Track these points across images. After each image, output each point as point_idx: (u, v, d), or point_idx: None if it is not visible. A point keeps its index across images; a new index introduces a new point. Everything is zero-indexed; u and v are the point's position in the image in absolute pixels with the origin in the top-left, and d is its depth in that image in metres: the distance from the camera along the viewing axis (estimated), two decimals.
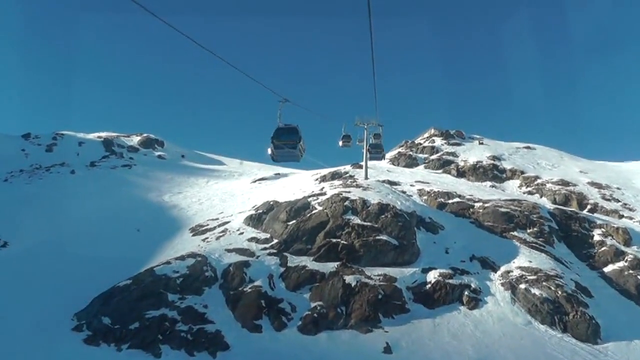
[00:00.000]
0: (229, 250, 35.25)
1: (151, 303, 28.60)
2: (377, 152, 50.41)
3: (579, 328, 31.78)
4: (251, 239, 37.58)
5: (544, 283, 35.49)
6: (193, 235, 41.37)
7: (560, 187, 57.51)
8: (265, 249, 36.06)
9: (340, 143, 48.14)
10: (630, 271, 41.50)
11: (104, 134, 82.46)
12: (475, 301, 33.31)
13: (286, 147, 25.49)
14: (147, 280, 30.20)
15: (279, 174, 67.15)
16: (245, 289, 30.97)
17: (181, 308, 28.77)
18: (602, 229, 47.51)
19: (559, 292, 34.77)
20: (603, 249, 44.90)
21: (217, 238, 38.44)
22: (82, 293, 29.76)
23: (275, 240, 37.19)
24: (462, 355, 28.00)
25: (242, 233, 38.87)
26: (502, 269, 37.01)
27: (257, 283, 31.53)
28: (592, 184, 59.57)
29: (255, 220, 41.14)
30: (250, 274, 32.41)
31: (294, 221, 38.51)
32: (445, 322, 31.06)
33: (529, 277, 36.13)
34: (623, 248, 44.89)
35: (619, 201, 56.23)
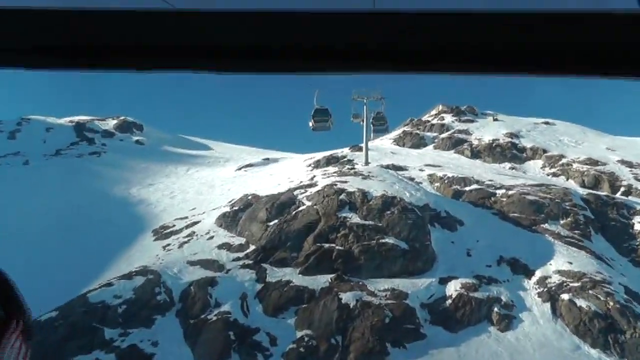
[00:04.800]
0: (191, 263, 27.89)
1: (82, 344, 21.77)
2: (380, 124, 42.34)
3: None
4: (222, 246, 30.15)
5: (590, 291, 29.50)
6: (155, 239, 34.04)
7: (588, 167, 50.33)
8: (238, 259, 28.75)
9: (312, 123, 38.11)
10: None
11: (76, 118, 74.69)
12: (508, 319, 27.59)
13: None
14: (78, 311, 23.12)
15: (268, 159, 59.54)
16: (209, 317, 24.05)
17: (122, 349, 21.98)
18: None
19: (611, 303, 28.86)
20: None
21: (181, 245, 31.00)
22: None
23: (252, 247, 29.84)
24: None
25: (211, 237, 31.39)
26: (538, 273, 31.10)
27: (225, 308, 24.52)
28: (623, 162, 52.39)
29: (229, 220, 33.57)
30: (216, 296, 25.27)
31: (275, 221, 31.04)
32: (472, 352, 24.78)
33: (571, 285, 29.96)
34: None
35: None
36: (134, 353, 21.76)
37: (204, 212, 37.25)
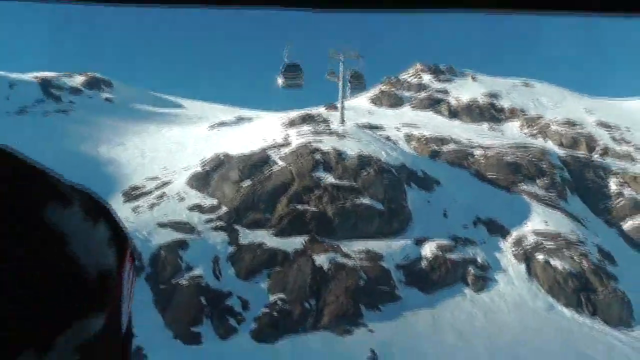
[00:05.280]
0: (162, 225, 26.93)
1: None
2: (357, 82, 41.10)
3: (611, 310, 26.89)
4: (193, 208, 29.10)
5: (565, 252, 29.36)
6: (126, 201, 32.76)
7: (566, 128, 49.90)
8: (210, 220, 27.78)
9: (280, 80, 36.18)
10: None
11: (41, 74, 71.66)
12: (483, 280, 27.62)
13: None
14: None
15: (241, 117, 57.81)
16: (180, 282, 23.24)
17: None
18: (619, 178, 41.15)
19: (585, 264, 29.00)
20: (621, 201, 39.37)
21: (151, 207, 29.88)
22: None
23: (224, 209, 28.87)
24: None
25: (182, 199, 30.28)
26: (514, 234, 31.09)
27: (196, 272, 23.74)
28: (600, 124, 52.10)
29: (200, 180, 32.39)
30: (187, 259, 24.45)
31: (248, 182, 30.01)
32: (447, 313, 24.58)
33: (547, 245, 29.79)
34: None
35: (629, 142, 49.02)
36: None
37: (175, 172, 36.01)
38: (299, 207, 27.99)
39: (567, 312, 26.38)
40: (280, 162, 31.16)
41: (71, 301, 0.70)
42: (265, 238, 26.36)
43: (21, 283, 0.66)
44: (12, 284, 0.65)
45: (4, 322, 0.63)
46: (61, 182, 0.78)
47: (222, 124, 54.07)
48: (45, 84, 67.81)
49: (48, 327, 0.67)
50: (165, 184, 34.00)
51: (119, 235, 0.81)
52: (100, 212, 0.80)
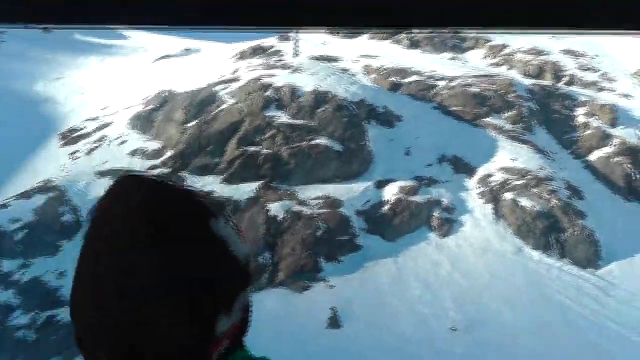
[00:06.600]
0: (101, 174, 24.32)
1: None
2: None
3: (579, 250, 26.04)
4: (135, 152, 26.42)
5: (534, 190, 27.86)
6: (63, 144, 29.75)
7: (532, 56, 47.96)
8: (154, 167, 25.14)
9: None
10: (617, 158, 35.17)
11: None
12: (449, 224, 25.87)
13: None
14: None
15: (188, 48, 53.78)
16: None
17: (22, 283, 18.50)
18: (586, 107, 39.58)
19: (554, 201, 27.67)
20: (587, 132, 37.70)
21: (89, 152, 27.04)
22: None
23: (169, 152, 26.27)
24: (441, 319, 20.03)
25: (124, 142, 27.49)
26: (480, 171, 29.38)
27: None
28: (567, 51, 50.33)
29: (143, 120, 29.44)
30: None
31: (194, 122, 27.25)
32: (411, 262, 23.15)
33: (515, 182, 28.26)
34: (609, 130, 37.63)
35: (597, 71, 47.69)
36: (37, 287, 18.68)
37: (116, 112, 32.90)
38: (250, 149, 25.54)
39: (536, 253, 25.31)
40: (229, 100, 28.27)
41: (239, 278, 1.10)
42: (214, 185, 24.02)
43: (217, 269, 1.05)
44: (210, 269, 1.04)
45: (212, 289, 1.02)
46: (208, 199, 1.11)
47: (167, 56, 50.27)
48: None
49: (231, 293, 1.07)
50: (105, 125, 30.98)
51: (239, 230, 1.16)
52: (229, 216, 1.13)
